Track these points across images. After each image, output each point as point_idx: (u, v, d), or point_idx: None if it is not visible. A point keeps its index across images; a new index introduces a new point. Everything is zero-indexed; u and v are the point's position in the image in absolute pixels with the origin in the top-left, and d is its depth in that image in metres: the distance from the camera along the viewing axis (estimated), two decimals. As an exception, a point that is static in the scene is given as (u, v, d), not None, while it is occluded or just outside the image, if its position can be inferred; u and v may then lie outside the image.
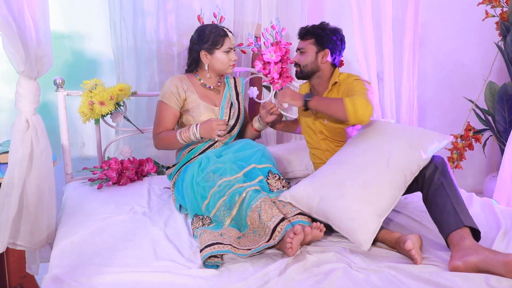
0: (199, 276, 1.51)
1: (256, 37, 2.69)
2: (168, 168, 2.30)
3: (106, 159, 2.54)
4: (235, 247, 1.65)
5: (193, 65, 2.26)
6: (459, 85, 3.54)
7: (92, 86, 2.43)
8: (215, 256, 1.61)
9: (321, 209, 1.78)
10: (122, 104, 2.50)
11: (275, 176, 1.96)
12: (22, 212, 1.80)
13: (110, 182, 2.39)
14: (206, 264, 1.59)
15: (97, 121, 2.49)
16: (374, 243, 1.76)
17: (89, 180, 2.44)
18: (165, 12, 2.79)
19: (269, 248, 1.70)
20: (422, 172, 1.80)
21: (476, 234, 1.65)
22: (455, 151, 3.31)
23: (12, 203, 1.74)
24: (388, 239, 1.73)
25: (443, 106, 3.56)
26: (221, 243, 1.63)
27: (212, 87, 2.28)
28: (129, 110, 2.60)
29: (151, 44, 2.81)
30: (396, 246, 1.69)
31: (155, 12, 2.78)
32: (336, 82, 2.16)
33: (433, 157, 1.84)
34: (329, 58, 2.15)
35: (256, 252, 1.66)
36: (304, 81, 2.33)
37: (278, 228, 1.67)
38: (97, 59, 3.00)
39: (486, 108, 3.31)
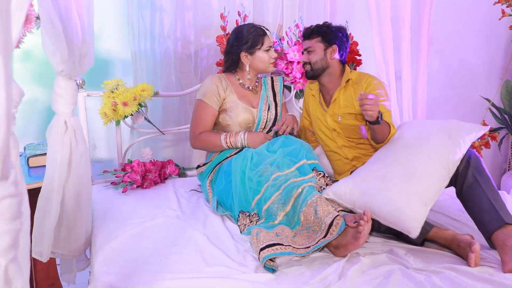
0: (257, 281, 1.48)
1: (279, 37, 2.65)
2: (198, 167, 2.25)
3: (126, 161, 2.47)
4: (295, 247, 1.63)
5: (232, 67, 2.23)
6: (464, 84, 3.56)
7: (113, 87, 2.36)
8: (270, 259, 1.57)
9: (364, 203, 1.77)
10: (144, 105, 2.43)
11: (320, 174, 1.94)
12: (62, 218, 1.72)
13: (134, 186, 2.31)
14: (265, 266, 1.55)
15: (118, 123, 2.41)
16: (423, 242, 1.76)
17: (111, 183, 2.36)
18: (183, 9, 2.73)
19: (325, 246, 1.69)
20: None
21: None
22: (471, 150, 3.32)
23: (54, 209, 1.66)
24: (442, 237, 1.72)
25: (450, 106, 3.58)
26: (281, 244, 1.60)
27: (250, 88, 2.25)
28: (146, 111, 2.53)
29: (168, 42, 2.74)
30: (453, 244, 1.68)
31: (173, 9, 2.71)
32: (349, 79, 2.17)
33: None
34: (337, 55, 2.17)
35: (316, 249, 1.64)
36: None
37: (334, 223, 1.65)
38: (108, 58, 2.92)
39: (497, 107, 3.34)
